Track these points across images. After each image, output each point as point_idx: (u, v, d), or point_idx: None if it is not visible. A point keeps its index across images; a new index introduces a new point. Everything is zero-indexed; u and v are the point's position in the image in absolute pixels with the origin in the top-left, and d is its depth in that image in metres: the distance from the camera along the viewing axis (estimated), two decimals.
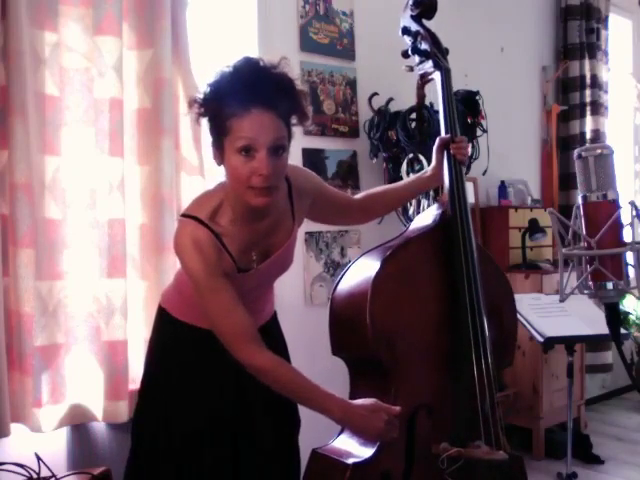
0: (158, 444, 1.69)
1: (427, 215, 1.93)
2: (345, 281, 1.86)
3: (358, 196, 1.98)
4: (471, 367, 1.72)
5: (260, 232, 1.62)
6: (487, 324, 1.78)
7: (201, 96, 1.51)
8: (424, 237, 1.85)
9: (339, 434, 1.82)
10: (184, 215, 1.58)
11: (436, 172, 1.90)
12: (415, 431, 1.70)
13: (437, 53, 1.93)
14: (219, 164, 1.55)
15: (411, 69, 2.01)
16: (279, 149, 1.48)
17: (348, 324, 1.80)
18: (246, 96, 1.43)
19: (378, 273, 1.73)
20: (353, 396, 1.82)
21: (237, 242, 1.57)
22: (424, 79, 2.01)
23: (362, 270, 1.81)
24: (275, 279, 1.80)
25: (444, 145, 1.89)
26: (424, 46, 1.96)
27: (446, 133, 1.91)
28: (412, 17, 1.98)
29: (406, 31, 2.00)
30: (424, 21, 2.00)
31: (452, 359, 1.76)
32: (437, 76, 1.94)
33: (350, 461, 1.68)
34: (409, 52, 1.99)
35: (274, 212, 1.62)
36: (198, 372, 1.68)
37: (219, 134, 1.49)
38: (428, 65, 1.96)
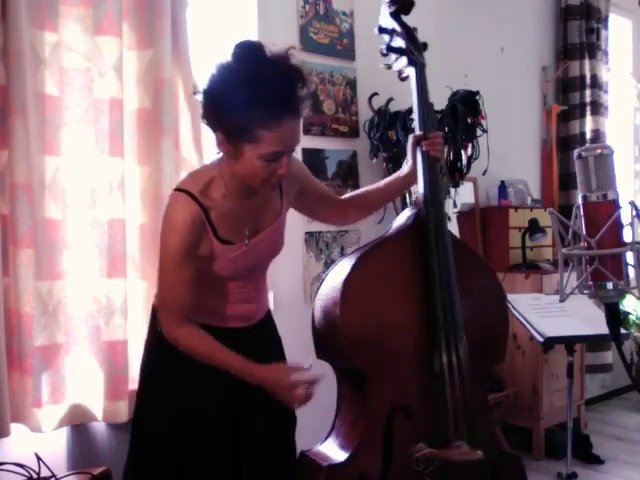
0: (160, 443, 1.69)
1: (403, 216, 1.91)
2: (323, 287, 1.85)
3: (344, 196, 2.00)
4: (442, 367, 1.70)
5: (250, 209, 1.66)
6: (470, 321, 1.76)
7: (215, 97, 1.48)
8: (397, 238, 1.83)
9: (326, 437, 1.82)
10: (177, 189, 1.61)
11: (412, 170, 1.89)
12: (392, 433, 1.69)
13: (412, 49, 1.91)
14: (226, 154, 1.56)
15: (389, 67, 2.00)
16: (295, 148, 1.56)
17: (324, 331, 1.79)
18: (277, 108, 1.44)
19: (346, 279, 1.72)
20: (339, 397, 1.82)
21: (226, 216, 1.61)
22: (401, 76, 1.99)
23: (336, 275, 1.80)
24: (267, 263, 1.81)
25: (418, 142, 1.87)
26: (399, 43, 1.94)
27: (420, 129, 1.88)
28: (390, 14, 1.97)
29: (382, 30, 1.99)
30: (403, 17, 1.97)
31: (429, 359, 1.73)
32: (411, 72, 1.93)
33: (326, 463, 1.71)
34: (384, 51, 1.98)
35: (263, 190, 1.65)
36: (197, 369, 1.68)
37: (241, 138, 1.48)
38: (403, 62, 1.94)
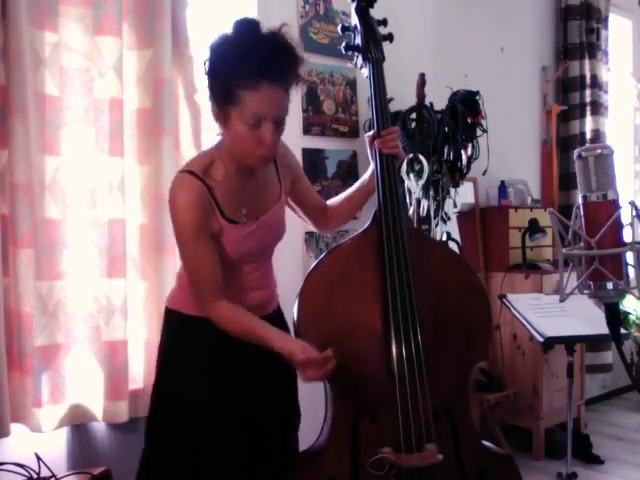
0: (176, 439, 1.70)
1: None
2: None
3: (328, 204, 1.99)
4: (402, 366, 1.65)
5: (250, 189, 1.69)
6: (445, 318, 1.73)
7: (209, 63, 1.57)
8: (354, 241, 1.79)
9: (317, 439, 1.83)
10: (180, 171, 1.65)
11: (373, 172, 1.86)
12: (359, 436, 1.66)
13: (369, 46, 1.87)
14: (218, 122, 1.62)
15: (355, 65, 1.95)
16: (282, 120, 1.58)
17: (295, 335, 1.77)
18: (259, 70, 1.50)
19: (302, 289, 1.71)
20: (325, 398, 1.80)
21: (229, 195, 1.64)
22: (364, 75, 1.92)
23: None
24: (273, 246, 1.81)
25: (372, 143, 1.83)
26: (357, 41, 1.91)
27: (374, 127, 1.83)
28: (355, 9, 1.93)
29: (345, 29, 1.96)
30: (370, 11, 1.93)
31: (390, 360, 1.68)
32: (367, 70, 1.88)
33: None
34: (343, 50, 1.93)
35: (261, 171, 1.70)
36: (211, 366, 1.71)
37: (227, 101, 1.55)
38: (360, 60, 1.90)
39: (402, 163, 3.04)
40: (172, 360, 1.77)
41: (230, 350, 1.68)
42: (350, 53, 1.92)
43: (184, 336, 1.76)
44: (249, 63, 1.50)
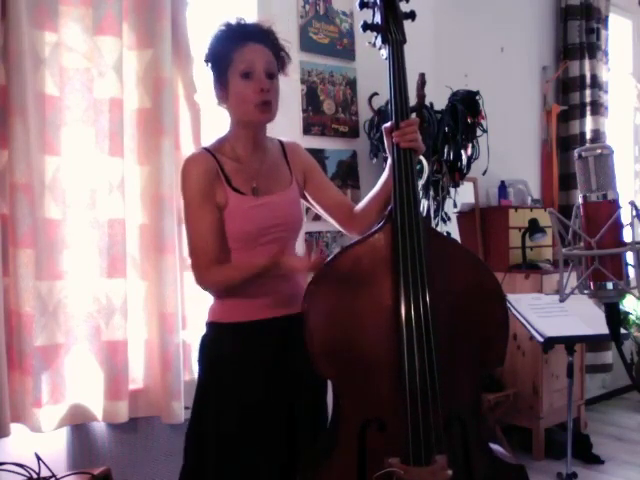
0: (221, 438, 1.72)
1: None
2: None
3: (355, 208, 1.92)
4: (414, 380, 1.56)
5: (259, 168, 1.79)
6: (461, 322, 1.65)
7: (208, 48, 1.79)
8: (367, 241, 1.66)
9: None
10: None
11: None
12: (366, 445, 1.60)
13: (388, 25, 1.74)
14: (224, 102, 1.78)
15: (373, 45, 1.83)
16: (272, 74, 1.74)
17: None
18: (242, 35, 1.76)
19: (311, 290, 1.62)
20: (334, 398, 1.77)
21: (237, 169, 1.77)
22: (383, 57, 1.79)
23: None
24: (286, 231, 1.79)
25: (389, 134, 1.71)
26: (376, 19, 1.79)
27: (391, 118, 1.71)
28: None
29: (363, 4, 1.82)
30: None
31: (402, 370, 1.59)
32: (385, 51, 1.75)
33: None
34: (362, 29, 1.81)
35: (268, 155, 1.83)
36: (254, 363, 1.74)
37: (224, 68, 1.73)
38: (379, 41, 1.78)
39: None
40: (210, 367, 1.79)
41: (263, 350, 1.73)
42: (369, 33, 1.80)
43: (219, 342, 1.79)
44: (237, 33, 1.77)
